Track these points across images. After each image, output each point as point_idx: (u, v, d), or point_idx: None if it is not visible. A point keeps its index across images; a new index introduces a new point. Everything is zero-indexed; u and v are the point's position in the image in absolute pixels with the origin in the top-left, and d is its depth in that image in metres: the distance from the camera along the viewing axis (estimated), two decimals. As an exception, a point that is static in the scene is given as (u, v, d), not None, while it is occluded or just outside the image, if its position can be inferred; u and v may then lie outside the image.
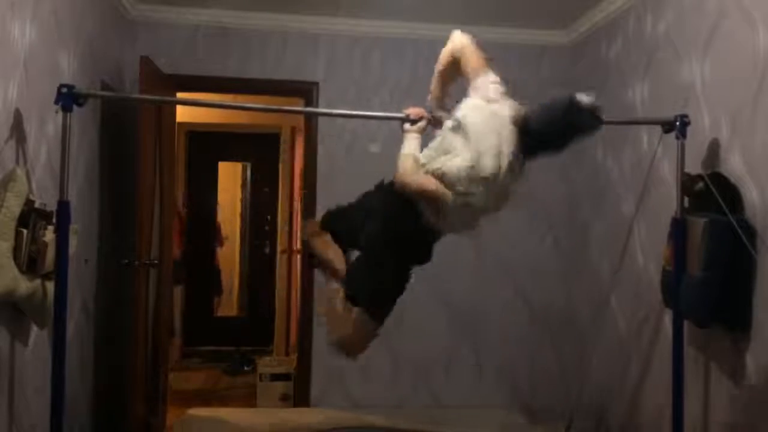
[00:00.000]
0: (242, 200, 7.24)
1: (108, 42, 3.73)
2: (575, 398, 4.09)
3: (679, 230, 2.69)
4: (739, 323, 2.52)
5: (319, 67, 4.35)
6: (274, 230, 6.63)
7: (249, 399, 5.06)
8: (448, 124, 2.31)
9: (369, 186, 2.57)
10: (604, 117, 2.30)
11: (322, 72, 4.35)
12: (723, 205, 2.51)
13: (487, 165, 2.17)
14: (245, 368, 6.02)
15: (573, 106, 2.15)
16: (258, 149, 6.94)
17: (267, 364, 5.02)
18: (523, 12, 4.05)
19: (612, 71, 3.84)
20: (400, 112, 2.56)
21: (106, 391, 3.67)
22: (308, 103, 4.36)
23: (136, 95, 3.79)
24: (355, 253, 2.50)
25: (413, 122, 2.48)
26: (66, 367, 2.48)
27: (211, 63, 4.23)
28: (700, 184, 2.65)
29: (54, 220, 2.47)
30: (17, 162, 2.46)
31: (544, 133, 2.21)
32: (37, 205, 2.44)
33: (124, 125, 3.85)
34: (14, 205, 2.29)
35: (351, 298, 2.35)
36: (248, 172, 7.23)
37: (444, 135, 2.32)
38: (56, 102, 2.45)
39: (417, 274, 2.42)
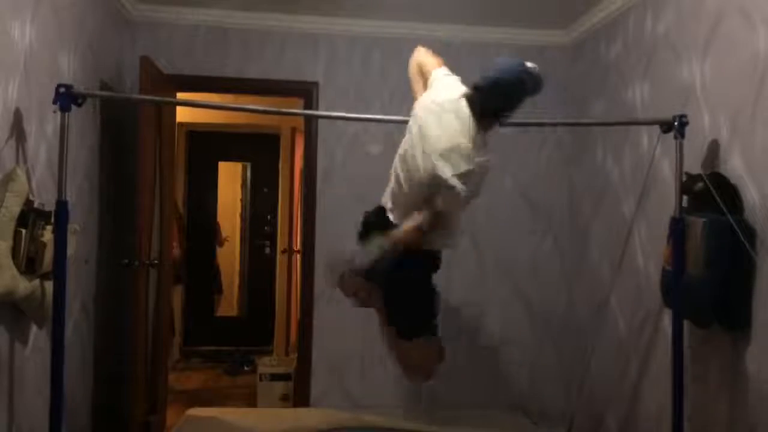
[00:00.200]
0: (242, 200, 7.25)
1: (108, 42, 3.74)
2: (575, 398, 4.09)
3: (678, 230, 2.69)
4: (739, 323, 2.51)
5: (319, 68, 4.35)
6: (274, 230, 6.63)
7: (249, 399, 5.06)
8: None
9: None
10: (605, 118, 2.40)
11: (321, 72, 4.35)
12: (722, 205, 2.51)
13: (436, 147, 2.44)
14: (245, 368, 6.03)
15: (526, 76, 2.45)
16: (258, 149, 6.95)
17: (267, 364, 5.02)
18: (523, 12, 4.04)
19: (612, 71, 3.84)
20: (401, 112, 2.59)
21: (106, 391, 3.67)
22: (308, 104, 4.36)
23: (136, 95, 3.79)
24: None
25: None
26: (66, 367, 2.48)
27: (211, 63, 4.23)
28: (700, 184, 2.65)
29: (53, 220, 2.47)
30: (17, 162, 2.47)
31: (499, 102, 2.49)
32: (36, 204, 2.44)
33: (124, 125, 3.85)
34: (13, 205, 2.29)
35: (401, 334, 2.67)
36: (248, 172, 7.24)
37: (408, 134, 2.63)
38: (55, 102, 2.46)
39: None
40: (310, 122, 4.40)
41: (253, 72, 4.29)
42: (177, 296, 6.18)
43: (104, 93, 3.63)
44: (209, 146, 6.87)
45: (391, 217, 2.62)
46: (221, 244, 7.10)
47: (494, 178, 4.36)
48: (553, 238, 4.49)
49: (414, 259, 2.53)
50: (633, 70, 3.57)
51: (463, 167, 2.38)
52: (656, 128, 2.95)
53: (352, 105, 4.22)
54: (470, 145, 2.42)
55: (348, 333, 4.24)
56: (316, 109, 4.30)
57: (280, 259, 6.09)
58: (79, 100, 2.52)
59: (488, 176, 2.54)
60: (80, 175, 3.25)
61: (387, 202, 2.67)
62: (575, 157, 4.39)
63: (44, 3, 2.75)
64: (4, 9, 2.37)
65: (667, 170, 3.11)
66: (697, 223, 2.58)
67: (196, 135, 6.70)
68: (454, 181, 2.35)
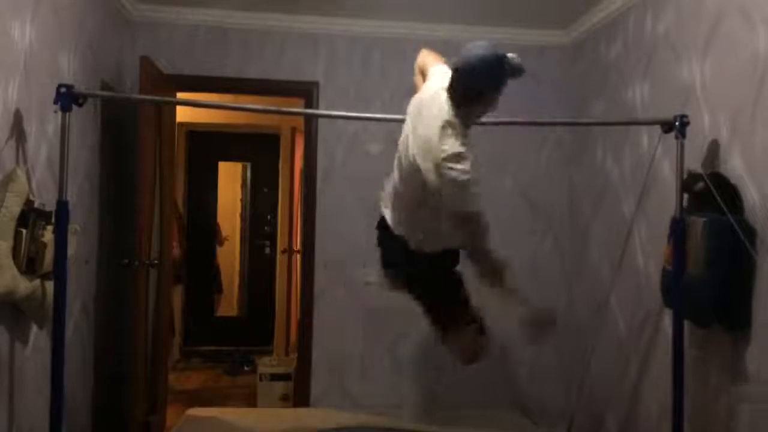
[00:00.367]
0: (242, 200, 7.25)
1: (108, 42, 3.74)
2: (575, 398, 4.09)
3: (678, 230, 2.69)
4: (739, 323, 2.51)
5: (319, 67, 4.35)
6: (274, 230, 6.63)
7: (249, 399, 5.07)
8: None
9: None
10: (605, 118, 2.36)
11: (322, 72, 4.35)
12: (722, 205, 2.51)
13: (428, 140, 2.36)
14: (245, 368, 6.03)
15: (504, 57, 2.32)
16: (258, 149, 6.95)
17: (267, 364, 5.02)
18: (523, 12, 4.04)
19: (612, 71, 3.84)
20: (401, 112, 2.58)
21: (106, 391, 3.67)
22: (308, 103, 4.36)
23: (136, 95, 3.80)
24: None
25: None
26: (66, 367, 2.48)
27: (211, 63, 4.23)
28: (701, 184, 2.65)
29: (53, 220, 2.47)
30: (17, 162, 2.47)
31: (477, 82, 2.35)
32: (36, 205, 2.44)
33: (124, 125, 3.85)
34: (14, 205, 2.29)
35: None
36: (248, 172, 7.24)
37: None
38: (55, 102, 2.46)
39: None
40: (310, 122, 4.40)
41: (253, 72, 4.29)
42: (177, 296, 6.18)
43: (105, 93, 3.63)
44: (209, 146, 6.87)
45: (390, 222, 2.59)
46: (221, 244, 7.10)
47: (494, 178, 4.39)
48: (553, 238, 4.48)
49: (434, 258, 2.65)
50: (633, 70, 3.57)
51: (449, 150, 2.29)
52: (656, 128, 2.95)
53: (352, 105, 4.21)
54: (450, 131, 2.32)
55: (348, 333, 4.24)
56: (316, 109, 4.30)
57: (280, 259, 6.09)
58: (80, 100, 2.53)
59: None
60: (81, 175, 3.25)
61: (386, 203, 2.64)
62: (575, 157, 4.39)
63: (44, 3, 2.75)
64: (4, 9, 2.37)
65: (667, 170, 3.11)
66: (698, 223, 2.58)
67: (196, 135, 6.70)
68: (445, 168, 2.28)
